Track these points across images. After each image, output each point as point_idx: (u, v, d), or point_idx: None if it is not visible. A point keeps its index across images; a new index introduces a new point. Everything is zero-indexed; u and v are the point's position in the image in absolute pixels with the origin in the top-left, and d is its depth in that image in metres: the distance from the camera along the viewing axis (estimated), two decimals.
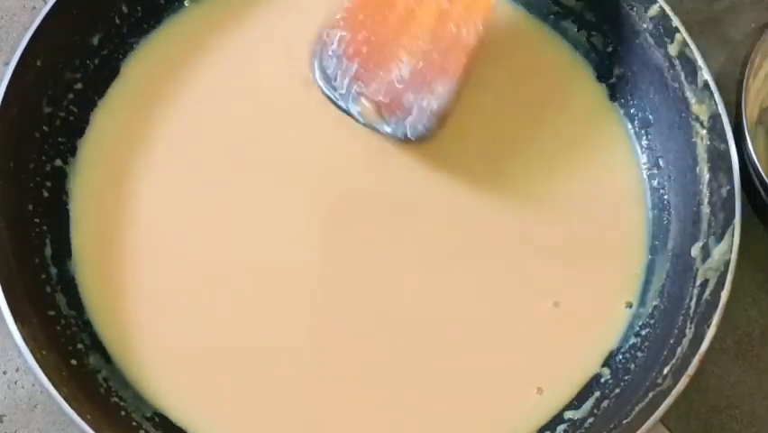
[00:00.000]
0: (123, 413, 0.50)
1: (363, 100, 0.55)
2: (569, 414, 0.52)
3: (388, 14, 0.55)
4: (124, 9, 0.57)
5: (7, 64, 0.51)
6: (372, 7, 0.55)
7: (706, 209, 0.52)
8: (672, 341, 0.51)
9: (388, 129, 0.55)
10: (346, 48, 0.55)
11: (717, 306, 0.49)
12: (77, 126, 0.56)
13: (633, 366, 0.52)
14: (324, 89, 0.56)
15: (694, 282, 0.51)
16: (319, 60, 0.55)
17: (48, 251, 0.53)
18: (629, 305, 0.54)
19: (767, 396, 0.55)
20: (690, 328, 0.50)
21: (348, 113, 0.55)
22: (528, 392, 0.52)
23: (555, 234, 0.55)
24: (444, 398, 0.52)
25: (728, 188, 0.51)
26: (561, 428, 0.52)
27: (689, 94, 0.54)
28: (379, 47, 0.55)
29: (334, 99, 0.55)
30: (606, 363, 0.53)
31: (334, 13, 0.55)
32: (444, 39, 0.55)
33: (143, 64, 0.58)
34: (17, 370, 0.56)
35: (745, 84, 0.52)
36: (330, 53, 0.55)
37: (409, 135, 0.54)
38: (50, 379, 0.46)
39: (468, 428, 0.52)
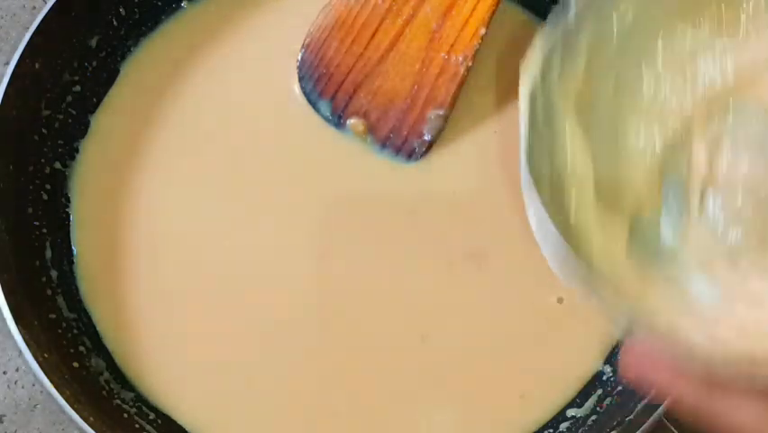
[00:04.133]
0: (125, 415, 0.50)
1: (352, 118, 0.55)
2: (571, 412, 0.52)
3: (377, 30, 0.55)
4: (122, 11, 0.57)
5: (7, 63, 0.50)
6: (361, 21, 0.55)
7: None
8: None
9: (377, 147, 0.56)
10: (335, 62, 0.56)
11: None
12: (77, 129, 0.56)
13: None
14: (313, 105, 0.56)
15: None
16: (306, 75, 0.56)
17: (48, 254, 0.53)
18: None
19: None
20: None
21: (337, 128, 0.56)
22: (530, 389, 0.52)
23: None
24: (446, 395, 0.52)
25: None
26: (563, 425, 0.52)
27: None
28: (368, 62, 0.55)
29: (323, 116, 0.56)
30: (608, 361, 0.53)
31: (323, 24, 0.56)
32: (434, 63, 0.55)
33: (142, 66, 0.58)
34: (17, 370, 0.55)
35: None
36: (317, 67, 0.56)
37: (399, 156, 0.56)
38: (52, 381, 0.46)
39: (470, 425, 0.52)
